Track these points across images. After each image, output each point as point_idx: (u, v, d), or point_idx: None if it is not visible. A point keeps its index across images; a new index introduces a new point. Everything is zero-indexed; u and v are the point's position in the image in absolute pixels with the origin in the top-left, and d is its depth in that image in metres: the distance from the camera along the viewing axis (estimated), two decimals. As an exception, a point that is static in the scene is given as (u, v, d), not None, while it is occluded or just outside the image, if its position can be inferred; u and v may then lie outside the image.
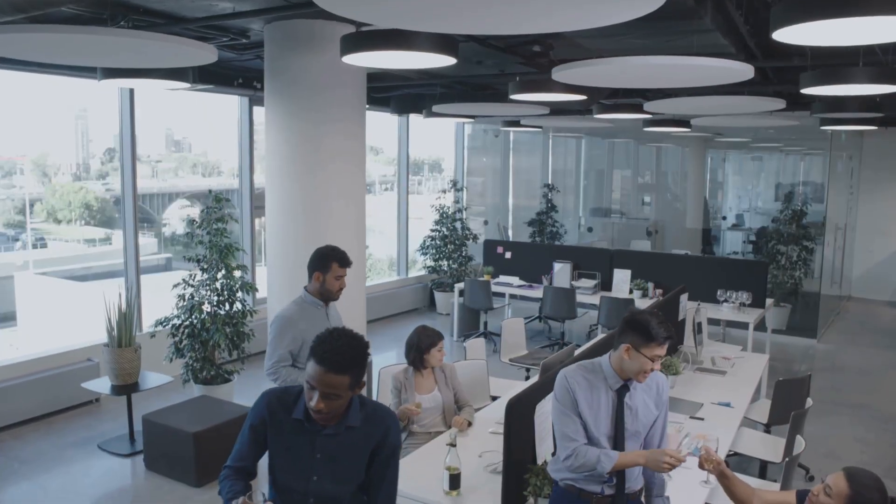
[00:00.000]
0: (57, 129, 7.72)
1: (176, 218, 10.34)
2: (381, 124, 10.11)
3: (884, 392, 6.96)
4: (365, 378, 2.15)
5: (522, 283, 8.16)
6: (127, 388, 5.17)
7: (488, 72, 6.63)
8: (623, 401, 2.56)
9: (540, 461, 3.06)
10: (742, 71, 3.79)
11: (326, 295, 3.56)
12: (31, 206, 8.63)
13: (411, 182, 10.72)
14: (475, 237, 9.91)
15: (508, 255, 8.51)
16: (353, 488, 2.19)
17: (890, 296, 11.11)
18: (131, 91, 6.54)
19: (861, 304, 11.03)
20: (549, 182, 11.55)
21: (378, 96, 8.36)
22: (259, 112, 7.59)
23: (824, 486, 2.58)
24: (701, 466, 2.74)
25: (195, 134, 9.80)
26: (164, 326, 5.62)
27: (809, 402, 4.47)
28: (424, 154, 12.16)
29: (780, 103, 5.54)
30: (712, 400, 4.46)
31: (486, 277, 8.28)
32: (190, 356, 5.57)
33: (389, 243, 10.60)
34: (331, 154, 5.21)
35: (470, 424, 3.95)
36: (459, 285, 8.27)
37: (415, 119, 10.26)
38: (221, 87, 7.01)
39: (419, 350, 3.97)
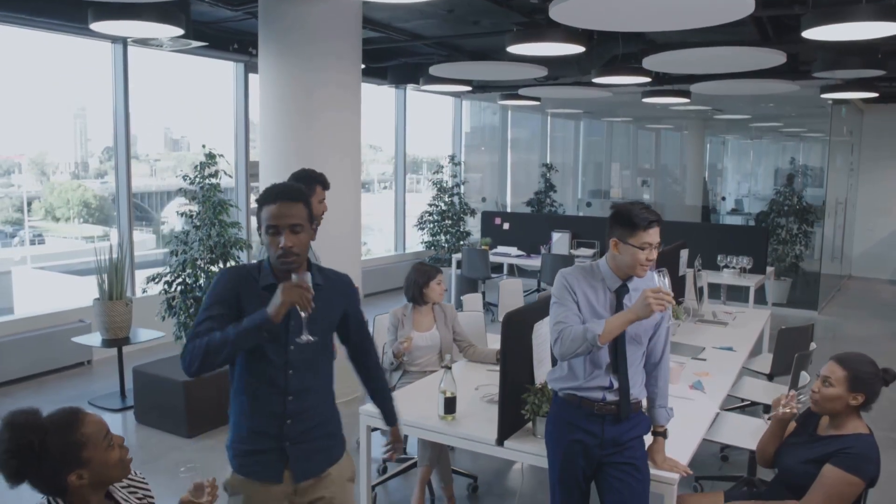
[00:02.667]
0: (55, 128, 7.72)
1: (174, 215, 10.34)
2: (378, 122, 10.10)
3: (885, 358, 6.76)
4: (316, 224, 2.18)
5: (521, 252, 8.07)
6: (118, 341, 5.08)
7: (485, 31, 6.55)
8: (622, 302, 2.47)
9: (538, 384, 2.98)
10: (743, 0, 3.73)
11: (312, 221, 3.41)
12: (29, 204, 8.60)
13: (409, 181, 10.66)
14: (473, 212, 9.83)
15: (507, 226, 8.44)
16: (326, 353, 2.21)
17: (890, 274, 11.03)
18: (125, 78, 6.51)
19: (861, 282, 10.96)
20: (548, 162, 11.47)
21: (375, 66, 8.27)
22: (255, 80, 7.50)
23: (821, 378, 2.57)
24: (777, 405, 2.73)
25: (192, 132, 9.74)
26: (157, 283, 5.53)
27: (813, 345, 4.40)
28: (423, 153, 12.08)
29: (781, 56, 5.47)
30: (714, 345, 4.39)
31: (483, 247, 8.20)
32: (182, 313, 5.47)
33: (388, 241, 10.52)
34: (326, 103, 5.12)
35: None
36: (457, 255, 8.19)
37: (413, 108, 10.21)
38: (217, 50, 6.93)
39: (418, 285, 3.90)
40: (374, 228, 10.91)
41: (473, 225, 9.94)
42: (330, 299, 2.16)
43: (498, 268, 8.28)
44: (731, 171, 14.08)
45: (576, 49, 5.39)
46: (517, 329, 2.96)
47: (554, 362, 2.84)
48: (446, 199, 9.60)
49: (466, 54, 7.81)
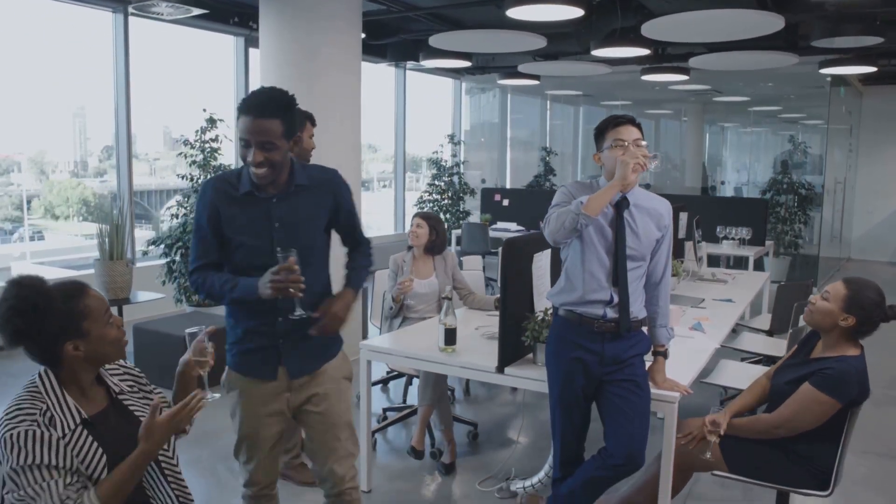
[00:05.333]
0: (54, 127, 7.77)
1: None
2: (377, 121, 10.13)
3: (884, 335, 6.87)
4: (300, 133, 2.18)
5: (520, 228, 8.08)
6: (118, 301, 5.08)
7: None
8: (622, 216, 2.47)
9: (538, 313, 2.98)
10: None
11: (304, 157, 3.33)
12: (29, 202, 8.66)
13: (409, 179, 10.65)
14: (472, 191, 9.82)
15: (506, 202, 8.44)
16: (316, 251, 2.19)
17: (890, 256, 11.04)
18: (126, 54, 6.53)
19: (861, 264, 10.96)
20: (548, 146, 11.47)
21: (374, 44, 8.28)
22: (255, 55, 7.51)
23: (822, 293, 2.57)
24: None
25: (192, 128, 10.00)
26: (157, 246, 5.54)
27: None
28: (422, 151, 12.10)
29: (779, 20, 5.48)
30: (714, 297, 4.40)
31: (483, 222, 8.19)
32: (183, 277, 5.48)
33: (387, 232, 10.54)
34: (326, 66, 5.14)
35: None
36: (457, 231, 8.19)
37: (412, 103, 10.24)
38: (217, 23, 6.93)
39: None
40: (374, 227, 10.91)
41: (473, 205, 9.94)
42: (316, 197, 2.18)
43: (497, 245, 8.29)
44: (730, 163, 14.09)
45: (575, 12, 5.41)
46: (517, 259, 2.97)
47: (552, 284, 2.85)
48: (445, 179, 9.60)
49: (466, 25, 7.80)
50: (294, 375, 2.18)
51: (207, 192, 2.16)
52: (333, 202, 2.21)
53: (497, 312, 3.03)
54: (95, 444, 1.67)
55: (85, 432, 1.67)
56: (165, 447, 1.89)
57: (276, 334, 2.15)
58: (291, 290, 1.99)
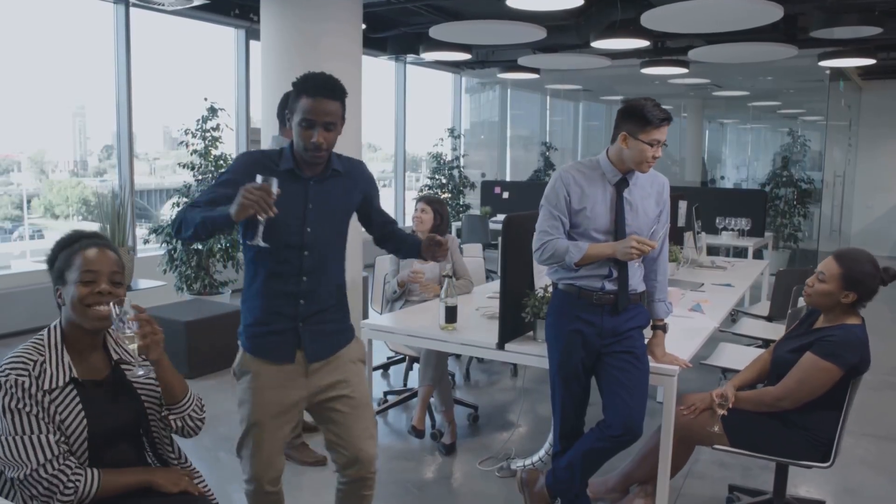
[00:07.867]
0: (54, 127, 7.80)
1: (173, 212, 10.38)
2: (377, 122, 10.17)
3: (884, 331, 6.91)
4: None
5: (520, 220, 8.10)
6: (120, 289, 5.10)
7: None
8: (622, 195, 2.49)
9: (538, 290, 2.99)
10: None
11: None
12: (29, 201, 8.68)
13: (408, 179, 10.69)
14: (472, 185, 9.84)
15: (506, 195, 8.45)
16: (339, 239, 2.21)
17: (889, 251, 11.05)
18: (127, 48, 6.55)
19: (860, 258, 10.98)
20: (547, 140, 11.48)
21: (374, 37, 8.30)
22: (256, 47, 7.53)
23: (817, 273, 2.57)
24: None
25: (192, 123, 10.12)
26: (158, 235, 5.56)
27: (811, 282, 4.42)
28: (422, 149, 12.12)
29: (778, 10, 5.50)
30: (713, 282, 4.41)
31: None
32: (184, 265, 5.50)
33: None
34: (327, 55, 5.15)
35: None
36: (457, 224, 8.20)
37: (412, 102, 10.27)
38: (218, 14, 6.95)
39: None
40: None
41: (473, 201, 9.95)
42: (348, 185, 2.21)
43: (497, 237, 8.31)
44: (729, 160, 14.10)
45: (575, 2, 5.44)
46: (518, 235, 2.98)
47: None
48: (445, 173, 9.62)
49: (467, 16, 7.80)
50: (311, 359, 2.16)
51: (242, 160, 2.14)
52: (364, 193, 2.28)
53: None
54: (80, 406, 1.67)
55: (73, 392, 1.68)
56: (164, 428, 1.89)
57: (297, 316, 2.12)
58: (259, 211, 1.81)
